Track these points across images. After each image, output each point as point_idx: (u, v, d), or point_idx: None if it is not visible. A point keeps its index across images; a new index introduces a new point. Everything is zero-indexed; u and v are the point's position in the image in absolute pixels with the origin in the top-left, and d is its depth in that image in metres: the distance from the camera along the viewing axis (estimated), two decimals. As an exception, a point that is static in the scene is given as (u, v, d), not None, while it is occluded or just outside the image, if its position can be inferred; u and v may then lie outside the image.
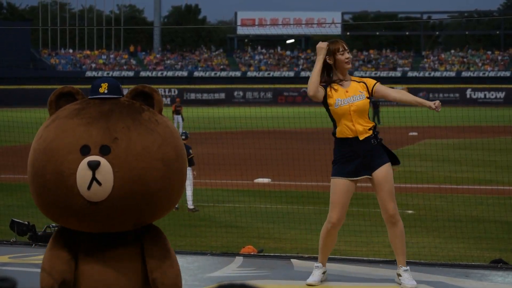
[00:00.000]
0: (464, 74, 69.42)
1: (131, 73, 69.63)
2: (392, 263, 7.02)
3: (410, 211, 13.07)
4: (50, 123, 3.72)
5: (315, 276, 6.42)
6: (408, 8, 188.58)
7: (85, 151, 3.54)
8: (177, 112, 33.84)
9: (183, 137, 14.96)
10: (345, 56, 6.29)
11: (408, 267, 6.34)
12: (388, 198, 6.23)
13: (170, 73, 70.28)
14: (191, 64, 74.44)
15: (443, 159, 19.46)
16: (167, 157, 3.66)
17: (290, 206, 13.62)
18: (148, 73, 70.36)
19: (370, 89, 6.28)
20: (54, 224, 8.71)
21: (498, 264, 7.19)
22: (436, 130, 28.12)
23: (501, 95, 64.64)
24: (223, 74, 71.05)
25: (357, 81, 6.34)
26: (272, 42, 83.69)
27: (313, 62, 71.41)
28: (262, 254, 8.15)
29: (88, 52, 76.41)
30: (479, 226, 11.45)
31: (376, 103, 40.60)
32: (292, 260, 7.32)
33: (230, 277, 6.67)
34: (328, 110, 6.26)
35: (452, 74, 69.71)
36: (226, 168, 17.05)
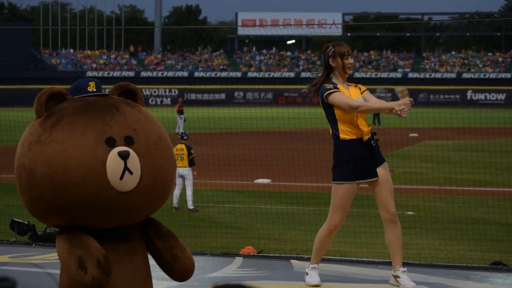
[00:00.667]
0: (465, 75, 69.41)
1: (131, 73, 69.63)
2: (391, 264, 7.02)
3: (410, 212, 13.06)
4: (56, 122, 3.67)
5: (316, 277, 6.41)
6: (409, 9, 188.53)
7: (111, 143, 3.57)
8: (180, 112, 33.86)
9: (185, 137, 14.96)
10: (349, 61, 6.28)
11: (405, 268, 6.33)
12: (390, 197, 6.24)
13: (170, 73, 70.29)
14: (191, 65, 74.45)
15: (443, 161, 19.46)
16: (172, 146, 3.87)
17: (290, 207, 13.62)
18: (149, 73, 70.37)
19: (360, 94, 6.32)
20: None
21: (498, 266, 7.19)
22: (437, 131, 28.13)
23: (501, 96, 64.63)
24: (224, 74, 71.06)
25: (353, 86, 6.38)
26: (273, 42, 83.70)
27: (314, 62, 70.53)
28: (262, 254, 8.15)
29: (89, 52, 76.43)
30: (479, 227, 11.45)
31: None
32: (292, 260, 7.32)
33: (230, 277, 6.67)
34: (331, 111, 6.21)
35: (453, 75, 69.70)
36: (226, 168, 17.05)
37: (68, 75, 67.81)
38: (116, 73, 68.86)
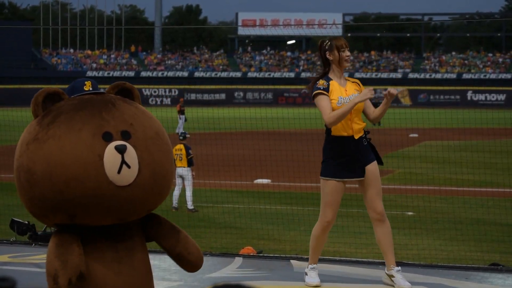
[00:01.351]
0: (465, 76, 69.42)
1: (131, 73, 69.64)
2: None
3: (410, 213, 13.06)
4: (53, 119, 3.69)
5: (315, 277, 6.40)
6: (409, 10, 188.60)
7: (108, 137, 3.58)
8: (181, 112, 33.85)
9: (181, 137, 14.94)
10: (346, 53, 6.28)
11: (399, 267, 6.31)
12: (377, 196, 6.22)
13: (170, 73, 70.29)
14: (191, 65, 74.46)
15: (443, 161, 19.45)
16: (170, 142, 3.88)
17: (290, 207, 13.62)
18: (149, 73, 70.37)
19: (361, 91, 6.30)
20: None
21: (498, 266, 7.19)
22: (437, 131, 28.14)
23: (502, 97, 64.64)
24: (224, 74, 71.06)
25: (351, 81, 6.35)
26: (273, 43, 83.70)
27: (314, 63, 70.68)
28: (261, 255, 8.15)
29: (89, 52, 76.43)
30: (480, 228, 11.44)
31: (377, 104, 40.63)
32: (291, 261, 7.32)
33: (230, 277, 6.67)
34: None
35: (453, 76, 69.70)
36: (226, 168, 17.05)
37: (68, 75, 67.83)
38: (116, 73, 68.87)
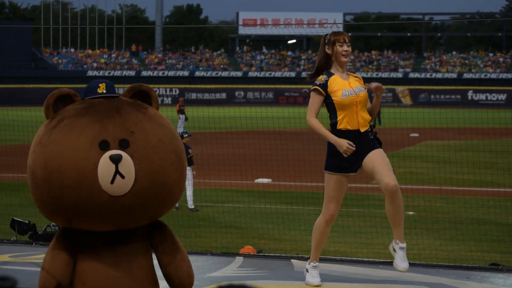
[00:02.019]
0: (466, 75, 69.38)
1: (132, 73, 69.64)
2: (392, 264, 7.02)
3: (411, 213, 13.05)
4: (57, 124, 3.69)
5: (316, 277, 6.38)
6: (410, 9, 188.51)
7: (104, 146, 3.55)
8: (181, 111, 33.82)
9: (186, 135, 14.95)
10: (343, 48, 6.22)
11: (405, 244, 6.09)
12: (386, 169, 5.97)
13: (171, 73, 70.27)
14: (192, 64, 74.45)
15: (444, 161, 19.45)
16: (179, 149, 3.78)
17: (290, 207, 13.62)
18: (150, 73, 70.36)
19: (362, 85, 6.31)
20: (54, 224, 8.70)
21: (498, 266, 7.18)
22: (437, 131, 28.14)
23: (502, 97, 64.59)
24: (225, 74, 71.05)
25: (353, 76, 6.34)
26: (274, 42, 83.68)
27: (314, 62, 71.25)
28: (262, 254, 8.14)
29: (90, 51, 76.42)
30: (480, 228, 11.44)
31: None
32: (292, 260, 7.31)
33: (230, 277, 6.67)
34: (330, 101, 6.14)
35: (454, 75, 69.67)
36: (227, 168, 17.04)
37: (68, 75, 67.81)
38: (117, 73, 68.87)
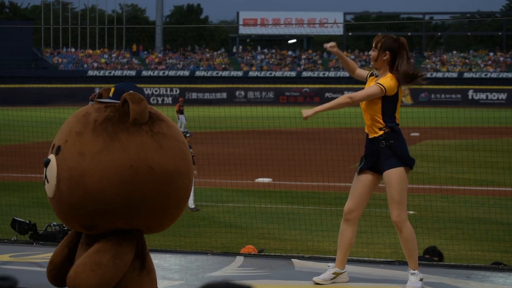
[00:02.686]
0: (466, 75, 69.38)
1: (133, 73, 69.63)
2: (392, 263, 7.04)
3: (411, 212, 13.06)
4: None
5: (322, 274, 6.34)
6: (410, 9, 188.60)
7: (52, 149, 3.79)
8: (180, 111, 33.84)
9: (188, 135, 14.95)
10: (370, 52, 6.42)
11: (416, 271, 6.14)
12: (390, 204, 6.04)
13: (172, 73, 70.26)
14: (192, 64, 74.44)
15: (444, 160, 19.46)
16: (109, 168, 3.62)
17: (291, 206, 13.62)
18: (150, 73, 70.36)
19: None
20: (55, 223, 8.73)
21: (499, 265, 7.18)
22: (438, 130, 28.13)
23: (503, 96, 64.59)
24: (225, 73, 71.04)
25: (379, 76, 6.37)
26: (274, 42, 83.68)
27: (315, 62, 70.66)
28: (262, 254, 8.14)
29: (90, 51, 76.43)
30: (481, 227, 11.44)
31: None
32: (292, 260, 7.30)
33: (231, 276, 6.67)
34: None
35: (454, 75, 69.67)
36: (227, 167, 17.04)
37: (69, 74, 67.81)
38: (118, 72, 68.85)
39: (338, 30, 78.61)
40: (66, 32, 79.00)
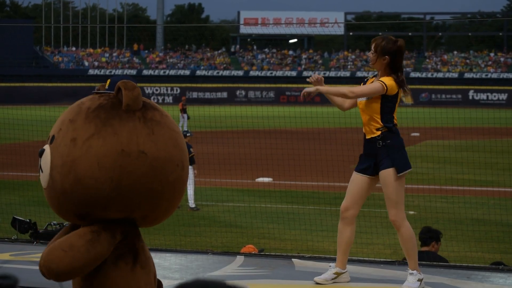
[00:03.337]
0: (467, 75, 69.38)
1: (133, 72, 69.64)
2: (393, 263, 7.05)
3: (411, 212, 13.06)
4: None
5: (323, 274, 6.34)
6: (411, 9, 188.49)
7: (48, 139, 3.78)
8: (183, 110, 33.84)
9: (188, 135, 14.96)
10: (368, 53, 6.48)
11: (414, 271, 6.17)
12: (387, 204, 6.10)
13: (172, 72, 70.28)
14: (193, 63, 74.45)
15: (444, 161, 19.46)
16: (100, 153, 3.59)
17: (291, 206, 13.63)
18: (151, 72, 70.39)
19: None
20: (55, 222, 8.73)
21: (499, 266, 7.19)
22: (438, 131, 28.12)
23: (503, 96, 64.60)
24: (226, 73, 71.05)
25: (376, 78, 6.37)
26: (275, 41, 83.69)
27: (316, 61, 70.75)
28: (263, 253, 8.15)
29: (91, 50, 76.44)
30: (481, 227, 11.45)
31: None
32: (293, 259, 7.31)
33: (231, 276, 6.67)
34: None
35: (455, 75, 69.67)
36: (228, 167, 17.05)
37: (70, 73, 67.83)
38: (118, 71, 68.85)
39: (339, 30, 78.62)
40: (67, 30, 79.04)
